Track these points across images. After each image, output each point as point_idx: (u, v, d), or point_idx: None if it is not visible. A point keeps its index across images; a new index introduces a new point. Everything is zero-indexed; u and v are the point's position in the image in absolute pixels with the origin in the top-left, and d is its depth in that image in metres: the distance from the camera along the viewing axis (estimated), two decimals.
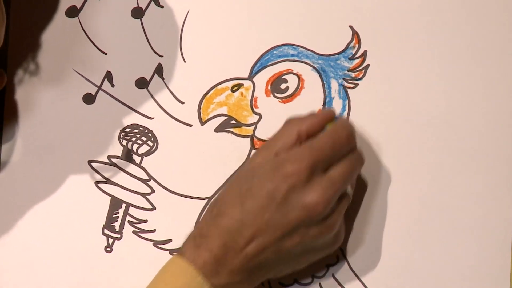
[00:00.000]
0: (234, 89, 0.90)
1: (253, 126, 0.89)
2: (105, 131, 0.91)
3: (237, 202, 0.79)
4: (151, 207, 0.90)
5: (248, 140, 0.90)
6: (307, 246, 0.80)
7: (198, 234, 0.80)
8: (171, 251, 0.89)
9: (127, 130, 0.91)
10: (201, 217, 0.82)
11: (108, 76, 0.91)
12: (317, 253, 0.82)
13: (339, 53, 0.89)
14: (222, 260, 0.78)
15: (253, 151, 0.89)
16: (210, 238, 0.78)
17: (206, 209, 0.82)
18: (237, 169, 0.83)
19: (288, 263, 0.81)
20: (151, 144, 0.91)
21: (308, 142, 0.80)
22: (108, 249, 0.90)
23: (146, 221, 0.90)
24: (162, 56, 0.91)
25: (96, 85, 0.91)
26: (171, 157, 0.90)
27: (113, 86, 0.91)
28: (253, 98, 0.90)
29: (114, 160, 0.91)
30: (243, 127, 0.90)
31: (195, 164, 0.90)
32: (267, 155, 0.81)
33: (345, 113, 0.88)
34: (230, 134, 0.90)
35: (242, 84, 0.90)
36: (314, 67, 0.89)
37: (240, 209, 0.78)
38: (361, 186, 0.87)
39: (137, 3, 0.91)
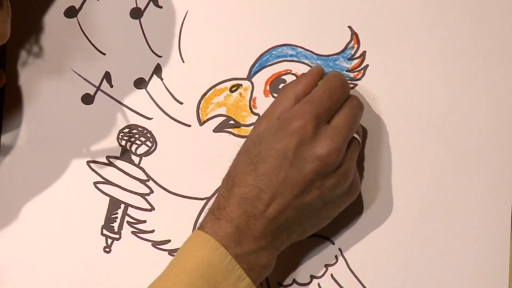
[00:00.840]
0: (233, 89, 0.90)
1: (252, 127, 0.89)
2: (103, 132, 0.91)
3: (249, 169, 0.79)
4: (150, 207, 0.90)
5: None
6: (326, 199, 0.80)
7: (216, 208, 0.80)
8: (170, 252, 0.89)
9: (126, 130, 0.91)
10: (217, 192, 0.82)
11: (107, 76, 0.91)
12: (337, 206, 0.82)
13: (338, 54, 0.89)
14: (243, 228, 0.78)
15: None
16: (229, 208, 0.79)
17: (221, 184, 0.82)
18: (244, 142, 0.83)
19: (310, 219, 0.81)
20: (150, 144, 0.91)
21: (305, 98, 0.81)
22: (107, 249, 0.90)
23: (145, 221, 0.90)
24: (161, 57, 0.91)
25: (94, 86, 0.91)
26: (170, 158, 0.90)
27: (111, 86, 0.91)
28: (251, 99, 0.90)
29: (112, 160, 0.91)
30: (241, 127, 0.90)
31: (194, 165, 0.90)
32: (269, 121, 0.82)
33: None
34: (228, 134, 0.90)
35: (241, 85, 0.90)
36: None
37: (254, 175, 0.79)
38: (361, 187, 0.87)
39: (136, 3, 0.91)
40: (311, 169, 0.78)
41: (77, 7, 0.92)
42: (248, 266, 0.78)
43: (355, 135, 0.83)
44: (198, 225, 0.81)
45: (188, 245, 0.80)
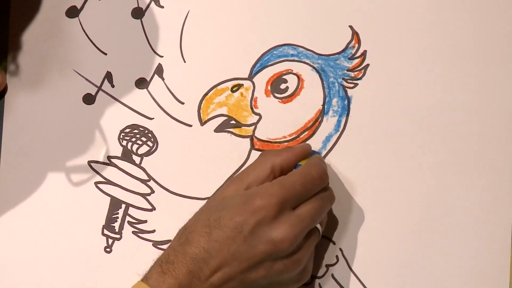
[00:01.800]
0: (234, 89, 0.90)
1: (253, 126, 0.89)
2: (105, 132, 0.91)
3: (205, 232, 0.79)
4: (150, 207, 0.90)
5: (248, 140, 0.89)
6: (272, 280, 0.80)
7: (165, 261, 0.80)
8: None
9: (127, 130, 0.91)
10: (170, 243, 0.82)
11: (108, 76, 0.91)
12: (281, 287, 0.82)
13: (338, 53, 0.89)
14: (187, 287, 0.78)
15: (253, 151, 0.89)
16: (176, 265, 0.79)
17: (175, 236, 0.82)
18: (208, 198, 0.83)
19: None
20: (151, 144, 0.91)
21: (279, 179, 0.80)
22: (108, 249, 0.90)
23: (145, 221, 0.90)
24: (162, 57, 0.91)
25: (96, 86, 0.91)
26: (171, 158, 0.90)
27: (113, 86, 0.91)
28: (253, 98, 0.90)
29: (114, 160, 0.91)
30: (243, 127, 0.90)
31: (195, 165, 0.90)
32: (238, 187, 0.81)
33: (345, 113, 0.88)
34: (230, 134, 0.90)
35: (242, 84, 0.90)
36: (313, 67, 0.89)
37: (208, 239, 0.79)
38: (360, 187, 0.87)
39: (137, 3, 0.92)
40: (262, 250, 0.78)
41: (78, 7, 0.92)
42: None
43: (317, 225, 0.82)
44: (144, 274, 0.81)
45: None
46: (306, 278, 0.83)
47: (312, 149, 0.86)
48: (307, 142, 0.88)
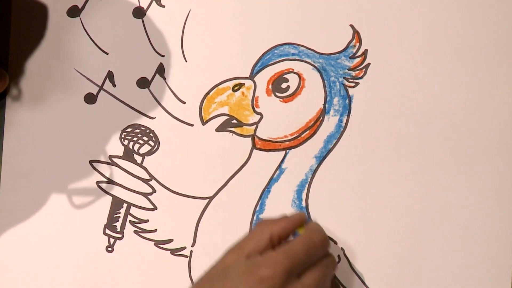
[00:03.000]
0: (235, 88, 0.90)
1: (254, 126, 0.89)
2: (106, 131, 0.91)
3: None
4: (152, 207, 0.90)
5: (249, 139, 0.89)
6: None
7: None
8: (172, 251, 0.89)
9: (129, 130, 0.91)
10: None
11: (110, 76, 0.91)
12: None
13: (339, 52, 0.89)
14: None
15: (255, 150, 0.89)
16: None
17: None
18: (208, 269, 0.82)
19: None
20: (152, 144, 0.91)
21: (282, 247, 0.80)
22: (110, 249, 0.90)
23: (147, 221, 0.90)
24: (164, 56, 0.91)
25: (97, 85, 0.92)
26: (173, 157, 0.90)
27: (114, 86, 0.91)
28: (254, 98, 0.89)
29: (115, 160, 0.91)
30: (244, 126, 0.90)
31: (196, 164, 0.90)
32: (239, 256, 0.80)
33: (346, 112, 0.88)
34: (231, 133, 0.90)
35: (243, 84, 0.90)
36: (315, 66, 0.89)
37: None
38: (361, 186, 0.87)
39: (139, 2, 0.92)
40: None
41: (80, 6, 0.92)
42: None
43: None
44: None
45: None
46: None
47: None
48: (308, 141, 0.88)
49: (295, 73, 0.89)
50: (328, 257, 0.82)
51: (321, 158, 0.88)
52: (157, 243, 0.90)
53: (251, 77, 0.90)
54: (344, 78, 0.88)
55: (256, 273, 0.78)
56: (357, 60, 0.88)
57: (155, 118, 0.91)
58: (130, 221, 0.91)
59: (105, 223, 0.91)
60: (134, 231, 0.90)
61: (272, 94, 0.89)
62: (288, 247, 0.80)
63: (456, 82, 0.87)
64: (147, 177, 0.91)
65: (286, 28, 0.89)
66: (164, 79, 0.91)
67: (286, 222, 0.82)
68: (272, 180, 0.89)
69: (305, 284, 0.79)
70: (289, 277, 0.78)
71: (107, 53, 0.92)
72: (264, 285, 0.77)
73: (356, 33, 0.88)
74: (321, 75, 0.89)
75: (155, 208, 0.90)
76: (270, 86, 0.89)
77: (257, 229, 0.83)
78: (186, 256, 0.89)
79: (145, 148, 0.91)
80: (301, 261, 0.79)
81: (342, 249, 0.87)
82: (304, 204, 0.88)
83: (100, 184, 0.91)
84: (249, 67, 0.90)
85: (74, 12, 0.92)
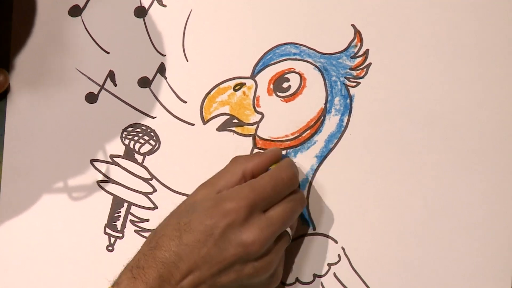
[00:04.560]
0: (237, 88, 0.90)
1: (255, 125, 0.89)
2: (107, 130, 0.91)
3: (175, 235, 0.79)
4: (153, 206, 0.90)
5: (250, 139, 0.90)
6: (242, 284, 0.80)
7: (135, 265, 0.80)
8: None
9: (130, 129, 0.91)
10: (139, 249, 0.81)
11: (111, 75, 0.92)
12: None
13: (341, 52, 0.89)
14: None
15: (255, 150, 0.89)
16: (147, 269, 0.78)
17: (145, 241, 0.82)
18: (178, 205, 0.83)
19: None
20: (153, 143, 0.91)
21: (249, 182, 0.81)
22: (110, 248, 0.90)
23: (148, 220, 0.90)
24: (165, 55, 0.91)
25: (98, 84, 0.92)
26: (173, 156, 0.90)
27: (115, 85, 0.92)
28: (255, 97, 0.90)
29: (116, 159, 0.91)
30: (245, 126, 0.90)
31: (197, 163, 0.90)
32: (209, 191, 0.81)
33: (347, 112, 0.88)
34: (232, 133, 0.90)
35: (245, 83, 0.90)
36: (316, 66, 0.89)
37: (178, 242, 0.78)
38: (362, 186, 0.87)
39: (140, 2, 0.92)
40: (232, 253, 0.78)
41: (81, 6, 0.92)
42: None
43: (288, 229, 0.82)
44: (114, 279, 0.81)
45: None
46: (276, 283, 0.83)
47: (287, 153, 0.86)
48: (309, 140, 0.88)
49: (296, 72, 0.89)
50: (297, 193, 0.82)
51: (322, 158, 0.88)
52: None
53: (252, 76, 0.90)
54: (345, 77, 0.88)
55: (221, 206, 0.79)
56: (358, 59, 0.88)
57: (156, 117, 0.91)
58: (130, 220, 0.91)
59: (106, 222, 0.91)
60: (135, 230, 0.90)
61: (273, 94, 0.89)
62: (254, 181, 0.80)
63: (457, 82, 0.87)
64: (147, 176, 0.91)
65: (287, 27, 0.89)
66: (165, 78, 0.91)
67: (260, 159, 0.83)
68: None
69: (270, 218, 0.80)
70: (253, 211, 0.79)
71: (108, 53, 0.92)
72: (227, 218, 0.78)
73: (357, 33, 0.89)
74: (322, 74, 0.89)
75: (155, 207, 0.90)
76: (271, 86, 0.89)
77: (230, 165, 0.83)
78: None
79: (146, 148, 0.91)
80: (267, 196, 0.80)
81: (343, 248, 0.87)
82: None
83: (100, 184, 0.91)
84: (250, 67, 0.90)
85: (75, 11, 0.92)
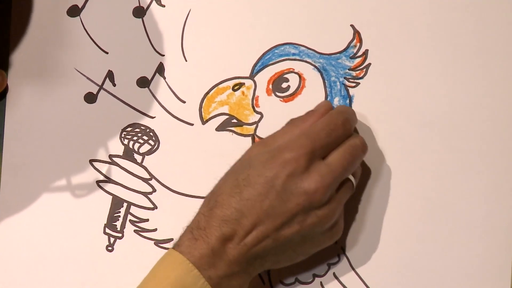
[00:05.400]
0: (236, 88, 0.90)
1: (254, 125, 0.89)
2: (106, 130, 0.91)
3: (234, 192, 0.78)
4: (152, 206, 0.90)
5: (249, 139, 0.90)
6: (305, 235, 0.79)
7: (196, 227, 0.79)
8: None
9: (129, 129, 0.91)
10: (198, 210, 0.81)
11: (110, 75, 0.91)
12: (315, 244, 0.81)
13: (340, 52, 0.89)
14: (220, 251, 0.77)
15: None
16: (208, 230, 0.78)
17: (203, 202, 0.81)
18: (233, 164, 0.82)
19: (285, 252, 0.80)
20: (152, 143, 0.91)
21: (303, 131, 0.80)
22: (110, 248, 0.90)
23: (147, 220, 0.90)
24: (164, 55, 0.91)
25: (97, 84, 0.91)
26: (173, 156, 0.90)
27: (114, 85, 0.91)
28: (254, 97, 0.90)
29: (115, 159, 0.91)
30: (244, 126, 0.90)
31: (196, 163, 0.90)
32: (264, 147, 0.81)
33: None
34: (231, 133, 0.90)
35: (244, 83, 0.90)
36: (315, 66, 0.89)
37: (238, 199, 0.78)
38: (362, 185, 0.87)
39: (139, 2, 0.92)
40: (296, 203, 0.77)
41: (80, 6, 0.92)
42: None
43: (350, 177, 0.82)
44: (174, 241, 0.80)
45: (163, 264, 0.79)
46: (338, 235, 0.82)
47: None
48: None
49: (295, 73, 0.89)
50: (355, 138, 0.81)
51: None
52: (157, 242, 0.90)
53: (251, 76, 0.90)
54: (344, 78, 0.88)
55: (279, 157, 0.78)
56: (358, 60, 0.88)
57: (155, 117, 0.91)
58: (130, 220, 0.91)
59: (105, 223, 0.91)
60: (134, 231, 0.90)
61: (273, 94, 0.89)
62: (309, 130, 0.80)
63: (457, 82, 0.87)
64: (147, 176, 0.91)
65: (286, 28, 0.89)
66: (164, 78, 0.91)
67: (314, 116, 0.82)
68: None
69: (330, 165, 0.79)
70: (313, 159, 0.78)
71: (107, 53, 0.92)
72: (287, 168, 0.77)
73: (356, 33, 0.89)
74: (321, 75, 0.89)
75: (155, 207, 0.90)
76: (270, 86, 0.89)
77: (286, 127, 0.82)
78: None
79: (145, 148, 0.91)
80: (324, 142, 0.79)
81: (342, 248, 0.87)
82: None
83: (100, 184, 0.91)
84: (249, 67, 0.90)
85: (74, 11, 0.92)
